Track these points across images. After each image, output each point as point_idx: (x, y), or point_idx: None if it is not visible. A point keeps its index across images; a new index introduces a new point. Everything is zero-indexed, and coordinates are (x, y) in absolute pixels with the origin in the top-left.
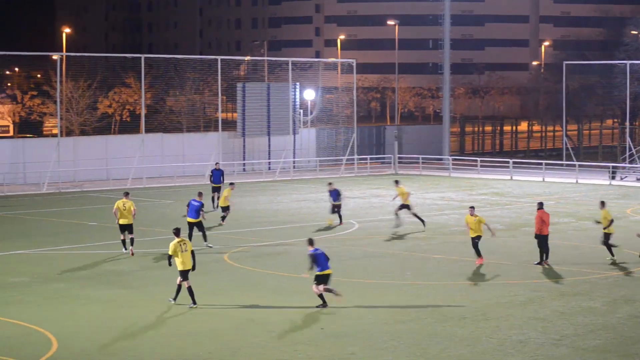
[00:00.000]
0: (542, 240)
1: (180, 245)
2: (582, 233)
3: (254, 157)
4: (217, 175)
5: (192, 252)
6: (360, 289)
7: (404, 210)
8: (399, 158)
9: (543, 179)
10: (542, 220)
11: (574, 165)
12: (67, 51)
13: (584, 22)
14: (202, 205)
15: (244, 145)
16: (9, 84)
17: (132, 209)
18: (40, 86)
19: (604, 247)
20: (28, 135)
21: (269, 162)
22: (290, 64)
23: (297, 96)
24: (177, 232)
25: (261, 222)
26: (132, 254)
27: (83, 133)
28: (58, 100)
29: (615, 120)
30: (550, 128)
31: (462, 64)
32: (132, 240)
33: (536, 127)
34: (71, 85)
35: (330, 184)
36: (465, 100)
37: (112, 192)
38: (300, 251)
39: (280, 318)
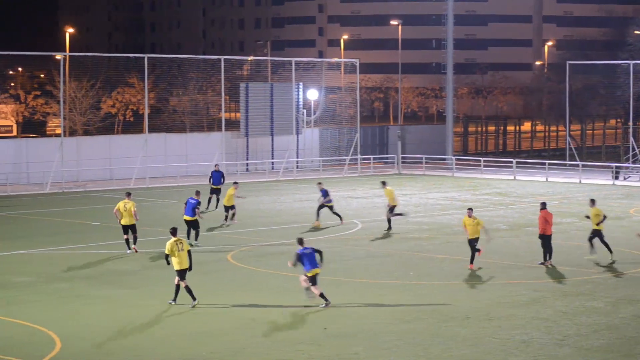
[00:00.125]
0: (546, 241)
1: (177, 244)
2: (585, 233)
3: (257, 157)
4: (216, 177)
5: (189, 252)
6: (363, 289)
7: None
8: (402, 158)
9: (546, 179)
10: (546, 220)
11: (577, 165)
12: (70, 51)
13: (587, 22)
14: (198, 203)
15: (247, 145)
16: (12, 84)
17: (132, 209)
18: (43, 86)
19: (602, 245)
20: (31, 135)
21: (272, 162)
22: (293, 64)
23: (300, 96)
24: (173, 231)
25: (264, 222)
26: (136, 251)
27: (86, 133)
28: (61, 100)
29: (619, 120)
30: (553, 128)
31: (465, 64)
32: (135, 238)
33: (539, 127)
34: (74, 85)
35: (319, 183)
36: (469, 100)
37: (115, 192)
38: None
39: (283, 318)
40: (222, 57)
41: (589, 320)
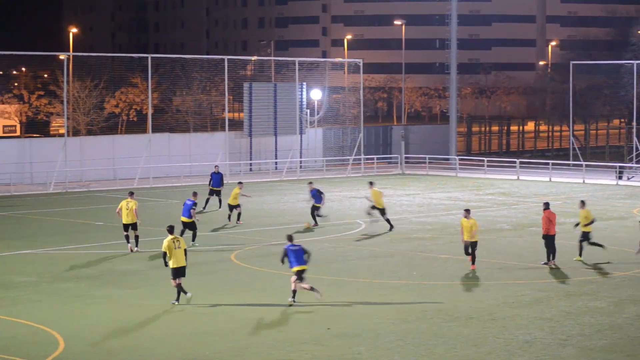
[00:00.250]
0: (549, 241)
1: (174, 242)
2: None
3: (261, 157)
4: (216, 179)
5: (185, 251)
6: (367, 288)
7: (377, 211)
8: (406, 158)
9: (550, 179)
10: (549, 220)
11: (580, 166)
12: (73, 51)
13: (591, 22)
14: (193, 204)
15: (250, 145)
16: (16, 84)
17: (134, 208)
18: (47, 86)
19: (594, 247)
20: (35, 135)
21: (276, 162)
22: (297, 64)
23: (304, 96)
24: (170, 229)
25: (268, 222)
26: (131, 251)
27: (90, 133)
28: (65, 100)
29: (622, 120)
30: (557, 128)
31: (469, 64)
32: (136, 237)
33: (543, 127)
34: (78, 85)
35: (310, 183)
36: (472, 100)
37: (118, 192)
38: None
39: (287, 318)
40: (226, 57)
41: (592, 320)
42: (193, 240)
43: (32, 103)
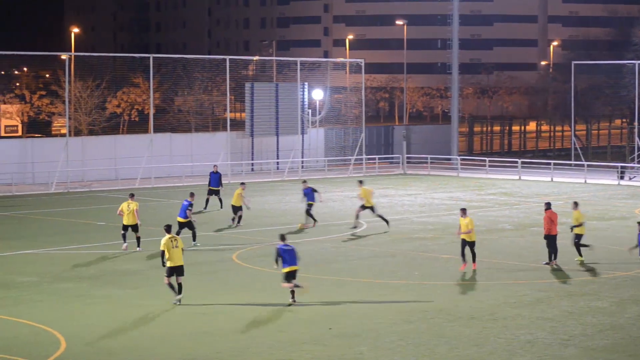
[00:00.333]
0: (551, 241)
1: (172, 241)
2: (590, 233)
3: (263, 157)
4: (215, 179)
5: (182, 250)
6: (368, 288)
7: (368, 211)
8: (408, 158)
9: (551, 179)
10: (551, 220)
11: (582, 165)
12: (75, 51)
13: (592, 22)
14: (190, 204)
15: (252, 145)
16: (17, 84)
17: (134, 209)
18: (48, 86)
19: (580, 248)
20: (36, 135)
21: (278, 162)
22: (298, 64)
23: (306, 96)
24: (168, 228)
25: (269, 222)
26: (125, 249)
27: (91, 133)
28: (67, 100)
29: (624, 120)
30: (558, 128)
31: (470, 64)
32: (138, 239)
33: (545, 127)
34: (79, 85)
35: (304, 182)
36: (474, 100)
37: (120, 192)
38: (308, 251)
39: (288, 318)
40: (228, 57)
41: (594, 320)
42: (194, 240)
43: (33, 103)
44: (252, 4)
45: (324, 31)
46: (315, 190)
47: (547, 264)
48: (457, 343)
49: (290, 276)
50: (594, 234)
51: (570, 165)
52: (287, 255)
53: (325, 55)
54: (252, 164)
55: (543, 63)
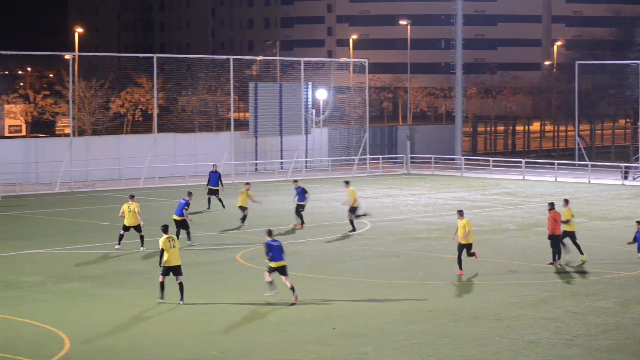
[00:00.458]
0: (555, 241)
1: (169, 241)
2: (594, 233)
3: (266, 156)
4: (214, 178)
5: (178, 250)
6: (372, 288)
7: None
8: (411, 158)
9: (555, 179)
10: (555, 220)
11: (586, 165)
12: (79, 51)
13: (596, 22)
14: (186, 203)
15: (256, 145)
16: (21, 84)
17: (136, 210)
18: (52, 86)
19: (562, 247)
20: (40, 135)
21: (281, 162)
22: (302, 64)
23: (310, 96)
24: (165, 228)
25: (273, 222)
26: (117, 249)
27: (95, 133)
28: (70, 100)
29: (628, 120)
30: (562, 128)
31: (474, 64)
32: (141, 238)
33: (548, 127)
34: (83, 85)
35: (295, 181)
36: (478, 100)
37: (124, 192)
38: (312, 251)
39: (292, 317)
40: (231, 57)
41: (598, 321)
42: (189, 239)
43: (37, 103)
44: (255, 4)
45: (328, 31)
46: (305, 191)
47: (551, 264)
48: (461, 343)
49: (274, 270)
50: (598, 233)
51: (574, 165)
52: (273, 251)
53: (329, 55)
54: (256, 164)
55: (547, 63)
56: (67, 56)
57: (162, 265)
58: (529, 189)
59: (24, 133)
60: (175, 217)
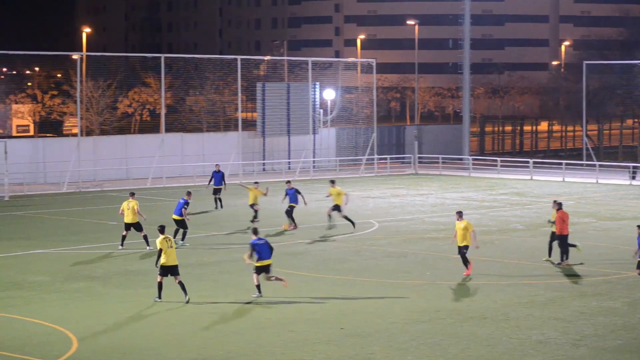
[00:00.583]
0: (563, 241)
1: (166, 241)
2: (603, 233)
3: (274, 156)
4: (217, 178)
5: (174, 250)
6: (380, 288)
7: (336, 212)
8: (419, 158)
9: (563, 178)
10: (562, 220)
11: (594, 165)
12: (87, 51)
13: (604, 22)
14: (185, 203)
15: (263, 145)
16: (29, 84)
17: (135, 208)
18: (60, 86)
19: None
20: (48, 135)
21: (289, 162)
22: (310, 64)
23: (317, 96)
24: (161, 229)
25: (280, 222)
26: (120, 248)
27: (103, 133)
28: (78, 99)
29: (636, 120)
30: (570, 128)
31: (482, 64)
32: (144, 237)
33: (556, 127)
34: (91, 85)
35: (288, 182)
36: (485, 100)
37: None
38: (320, 250)
39: (300, 317)
40: (239, 57)
41: (606, 321)
42: (182, 239)
43: (45, 103)
44: (263, 4)
45: (335, 31)
46: (298, 192)
47: (558, 264)
48: (469, 343)
49: (261, 270)
50: (607, 234)
51: (581, 165)
52: (260, 250)
53: (337, 55)
54: (264, 164)
55: (554, 63)
56: (75, 56)
57: (158, 266)
58: (536, 189)
59: (31, 133)
60: (175, 216)
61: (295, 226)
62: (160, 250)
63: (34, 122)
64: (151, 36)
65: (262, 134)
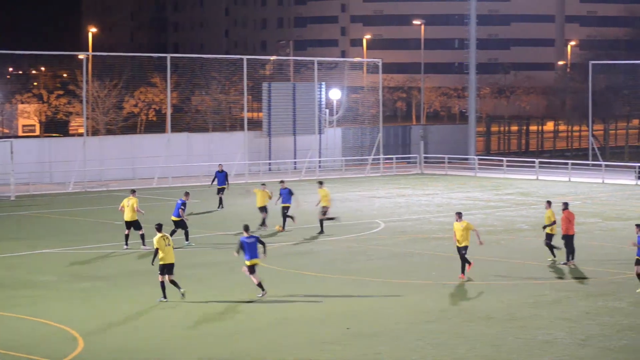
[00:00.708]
0: (569, 240)
1: (164, 239)
2: (609, 233)
3: (280, 156)
4: (221, 178)
5: (172, 248)
6: (386, 288)
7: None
8: (425, 158)
9: (569, 179)
10: (568, 220)
11: (600, 165)
12: (93, 51)
13: (610, 22)
14: (182, 203)
15: (269, 145)
16: (35, 84)
17: (134, 205)
18: (66, 85)
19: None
20: (54, 135)
21: (295, 162)
22: (316, 64)
23: (323, 96)
24: (159, 227)
25: (287, 222)
26: (125, 248)
27: (109, 132)
28: (84, 99)
29: None
30: (576, 128)
31: (487, 64)
32: (141, 237)
33: (562, 127)
34: (97, 85)
35: (281, 182)
36: (491, 100)
37: (138, 191)
38: (327, 250)
39: (306, 317)
40: (245, 57)
41: (612, 321)
42: (187, 239)
43: (51, 103)
44: (269, 3)
45: (341, 31)
46: (292, 193)
47: (564, 264)
48: (476, 343)
49: (249, 269)
50: (613, 234)
51: (587, 165)
52: (247, 248)
53: (343, 55)
54: (270, 164)
55: (560, 63)
56: (81, 56)
57: (154, 263)
58: (542, 189)
59: (37, 133)
60: (173, 217)
61: (283, 228)
62: (157, 249)
63: (40, 122)
64: (157, 36)
65: (268, 133)
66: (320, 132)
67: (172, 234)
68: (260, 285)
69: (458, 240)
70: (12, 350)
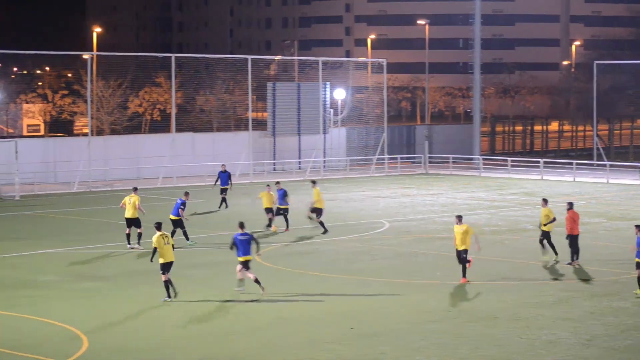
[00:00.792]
0: (573, 240)
1: (163, 238)
2: (613, 233)
3: (284, 156)
4: (224, 178)
5: (172, 246)
6: (390, 288)
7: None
8: (430, 158)
9: (574, 178)
10: (573, 220)
11: (604, 165)
12: (97, 50)
13: (615, 22)
14: (182, 203)
15: (274, 145)
16: (40, 83)
17: (136, 203)
18: (71, 85)
19: (551, 247)
20: (59, 135)
21: (299, 162)
22: (320, 64)
23: (328, 95)
24: (158, 226)
25: (291, 222)
26: (129, 247)
27: (113, 132)
28: (89, 99)
29: None
30: (580, 128)
31: (492, 64)
32: (139, 235)
33: (567, 127)
34: (102, 85)
35: (277, 183)
36: (496, 100)
37: (142, 191)
38: (331, 250)
39: (310, 317)
40: (249, 57)
41: (616, 321)
42: (187, 239)
43: (56, 102)
44: (273, 3)
45: (346, 31)
46: (286, 194)
47: (569, 264)
48: (479, 343)
49: (242, 264)
50: (617, 234)
51: (592, 165)
52: (240, 245)
53: (347, 54)
54: (274, 164)
55: (565, 63)
56: (86, 56)
57: (152, 260)
58: (547, 189)
59: (42, 132)
60: (172, 217)
61: (272, 227)
62: (155, 248)
63: (45, 122)
64: (162, 36)
65: (273, 133)
66: (324, 132)
67: (172, 234)
68: (257, 280)
69: (457, 244)
70: (17, 350)
